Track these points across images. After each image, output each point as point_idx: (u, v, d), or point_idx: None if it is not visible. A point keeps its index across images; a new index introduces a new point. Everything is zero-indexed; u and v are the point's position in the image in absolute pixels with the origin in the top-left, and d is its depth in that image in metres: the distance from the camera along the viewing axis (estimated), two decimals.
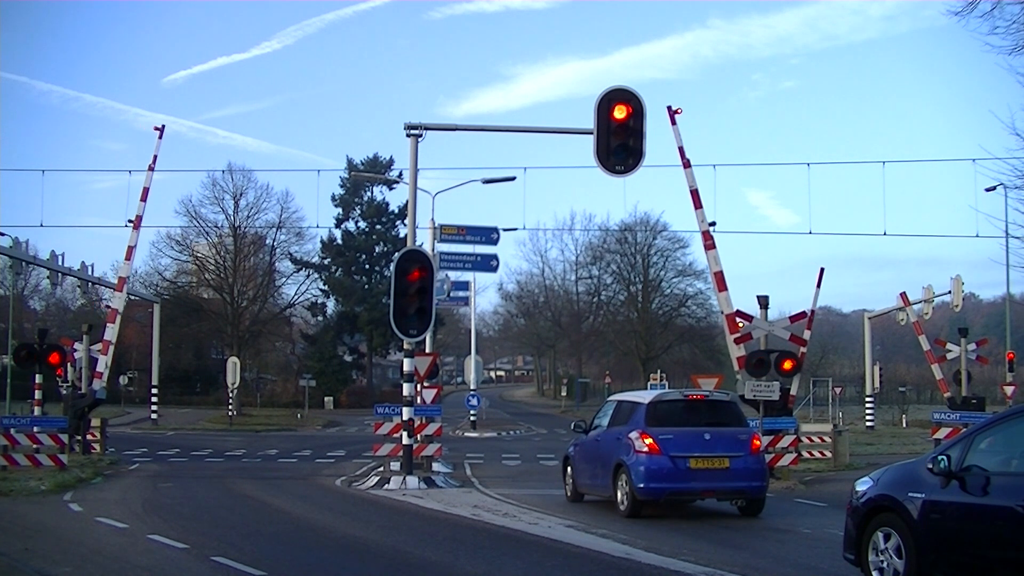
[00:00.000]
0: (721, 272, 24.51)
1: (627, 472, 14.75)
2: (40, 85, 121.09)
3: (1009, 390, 36.67)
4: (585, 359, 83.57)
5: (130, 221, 29.08)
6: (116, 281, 32.33)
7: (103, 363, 27.65)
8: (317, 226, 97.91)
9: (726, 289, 24.29)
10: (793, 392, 22.76)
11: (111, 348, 28.16)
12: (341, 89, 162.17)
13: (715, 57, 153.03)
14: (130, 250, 29.96)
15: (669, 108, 23.43)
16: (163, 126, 29.85)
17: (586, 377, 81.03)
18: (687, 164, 23.74)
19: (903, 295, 39.60)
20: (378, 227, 74.61)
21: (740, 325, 23.24)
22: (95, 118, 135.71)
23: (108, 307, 33.56)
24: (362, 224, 75.07)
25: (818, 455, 24.24)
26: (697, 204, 23.77)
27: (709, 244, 24.61)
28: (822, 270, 25.06)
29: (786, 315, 26.16)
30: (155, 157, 29.03)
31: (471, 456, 28.06)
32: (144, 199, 29.17)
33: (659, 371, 55.96)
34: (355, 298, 72.87)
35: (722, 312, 24.26)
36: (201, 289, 67.66)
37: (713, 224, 24.14)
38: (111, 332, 28.42)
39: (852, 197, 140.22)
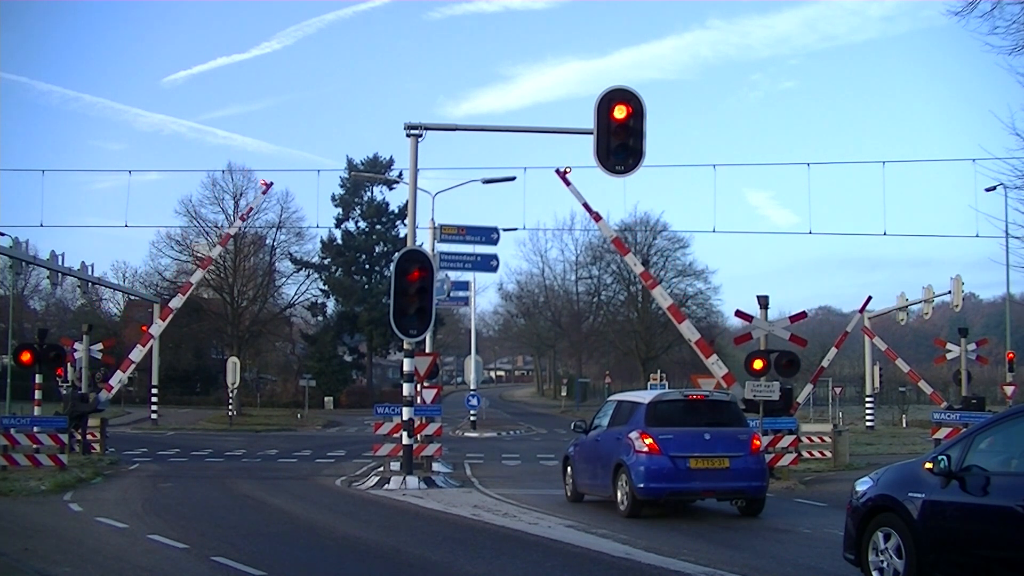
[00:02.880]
0: (673, 305, 25.16)
1: (627, 472, 14.75)
2: (40, 85, 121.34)
3: (1009, 390, 36.61)
4: (585, 359, 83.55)
5: (197, 256, 30.09)
6: (161, 310, 33.49)
7: (118, 378, 27.69)
8: (317, 226, 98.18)
9: (684, 319, 24.99)
10: (799, 400, 22.86)
11: (131, 367, 28.25)
12: (341, 89, 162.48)
13: (714, 57, 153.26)
14: (188, 285, 31.14)
15: (558, 171, 23.62)
16: (271, 183, 31.54)
17: (586, 377, 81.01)
18: (597, 218, 24.96)
19: (866, 329, 39.61)
20: (378, 227, 74.63)
21: (711, 347, 23.75)
22: (95, 118, 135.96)
23: (142, 327, 34.59)
24: (362, 224, 75.11)
25: (818, 455, 24.26)
26: (623, 251, 24.78)
27: (651, 284, 25.71)
28: (868, 298, 25.37)
29: (786, 315, 26.16)
30: (251, 208, 30.34)
31: (471, 456, 28.06)
32: (224, 244, 30.48)
33: (659, 371, 55.93)
34: (355, 298, 72.87)
35: (689, 341, 24.53)
36: (201, 289, 67.60)
37: (646, 263, 25.00)
38: (138, 353, 28.54)
39: (852, 197, 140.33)
